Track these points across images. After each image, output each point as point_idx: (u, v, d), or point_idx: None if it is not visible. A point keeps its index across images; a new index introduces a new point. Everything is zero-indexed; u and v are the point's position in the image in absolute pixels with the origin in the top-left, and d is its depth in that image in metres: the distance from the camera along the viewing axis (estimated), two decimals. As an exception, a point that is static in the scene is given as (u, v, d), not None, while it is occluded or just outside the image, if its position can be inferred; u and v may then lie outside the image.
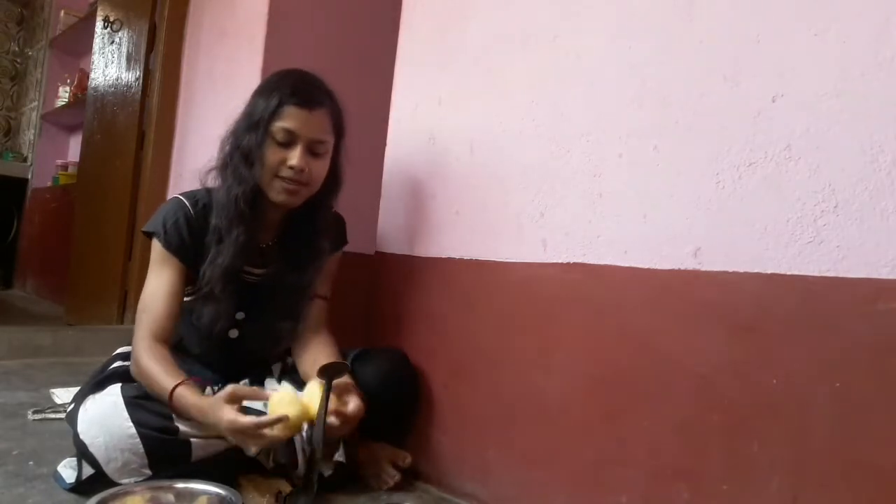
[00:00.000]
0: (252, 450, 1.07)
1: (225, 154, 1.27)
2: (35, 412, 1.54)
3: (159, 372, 1.14)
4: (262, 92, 1.25)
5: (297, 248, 1.31)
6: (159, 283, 1.24)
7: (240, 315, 1.31)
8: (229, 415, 1.04)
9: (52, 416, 1.52)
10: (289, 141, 1.21)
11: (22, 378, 1.89)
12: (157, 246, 1.26)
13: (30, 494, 1.10)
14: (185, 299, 1.28)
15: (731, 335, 0.93)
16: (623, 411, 1.04)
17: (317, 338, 1.33)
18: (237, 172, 1.23)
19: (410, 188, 1.48)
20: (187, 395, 1.10)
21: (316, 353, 1.29)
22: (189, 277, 1.27)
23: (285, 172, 1.21)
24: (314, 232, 1.31)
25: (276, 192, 1.23)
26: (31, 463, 1.24)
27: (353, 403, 1.14)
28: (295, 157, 1.20)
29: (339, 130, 1.29)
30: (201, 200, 1.28)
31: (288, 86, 1.22)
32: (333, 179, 1.32)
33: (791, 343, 0.88)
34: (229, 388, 1.09)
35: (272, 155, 1.21)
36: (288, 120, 1.20)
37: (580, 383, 1.10)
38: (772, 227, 0.91)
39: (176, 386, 1.10)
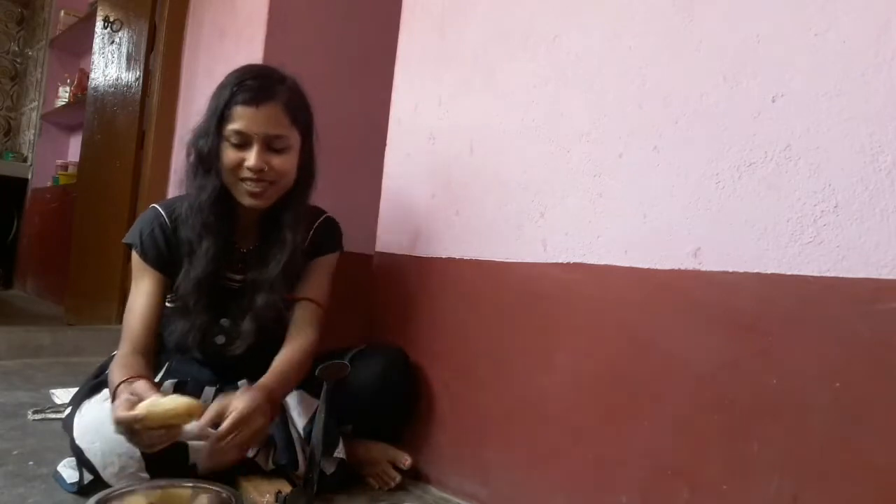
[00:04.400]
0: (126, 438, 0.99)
1: (188, 164, 1.24)
2: (35, 412, 1.54)
3: (115, 372, 1.12)
4: (214, 93, 1.23)
5: (273, 251, 1.27)
6: (138, 295, 1.24)
7: (225, 322, 1.28)
8: (116, 410, 0.98)
9: (52, 416, 1.52)
10: (243, 142, 1.18)
11: (22, 378, 1.89)
12: (135, 257, 1.26)
13: (30, 494, 1.10)
14: (169, 305, 1.28)
15: (730, 335, 0.93)
16: (623, 411, 1.04)
17: (290, 342, 1.25)
18: (198, 181, 1.21)
19: (410, 188, 1.48)
20: (121, 391, 1.05)
21: (280, 356, 1.23)
22: (170, 286, 1.26)
23: (245, 173, 1.19)
24: (283, 226, 1.26)
25: (242, 195, 1.21)
26: (31, 463, 1.24)
27: (232, 405, 1.04)
28: (251, 157, 1.17)
29: (300, 121, 1.24)
30: (178, 209, 1.26)
31: (235, 84, 1.18)
32: (305, 173, 1.27)
33: (791, 343, 0.88)
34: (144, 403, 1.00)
35: (229, 158, 1.19)
36: (237, 121, 1.17)
37: (580, 383, 1.10)
38: (771, 227, 0.91)
39: (120, 383, 1.07)
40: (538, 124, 1.22)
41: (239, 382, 1.28)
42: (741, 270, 0.93)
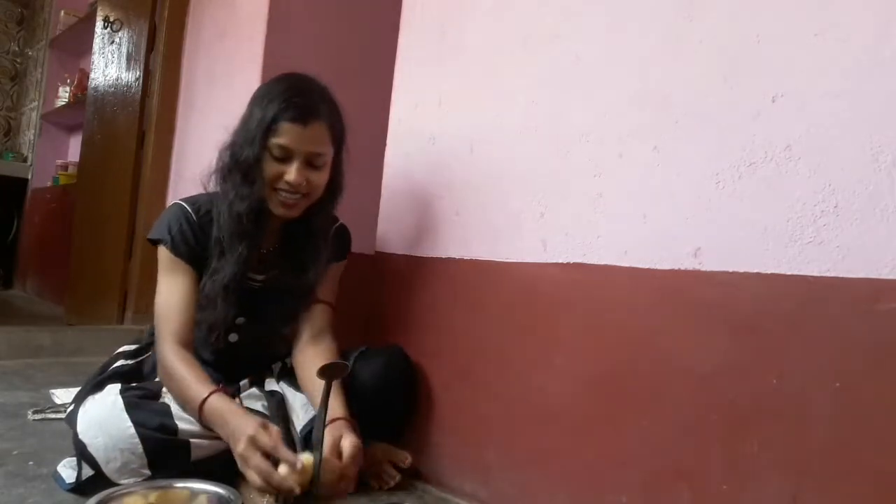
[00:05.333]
0: (248, 473, 1.03)
1: (224, 165, 1.25)
2: (35, 412, 1.54)
3: (192, 378, 1.14)
4: (258, 101, 1.23)
5: (297, 253, 1.31)
6: (174, 290, 1.25)
7: (240, 320, 1.30)
8: (251, 430, 1.04)
9: (52, 416, 1.52)
10: (285, 157, 1.20)
11: (22, 378, 1.89)
12: (164, 253, 1.26)
13: (30, 494, 1.10)
14: None
15: (731, 335, 0.93)
16: (623, 411, 1.04)
17: (318, 346, 1.31)
18: (239, 189, 1.22)
19: (410, 188, 1.48)
20: (220, 402, 1.11)
21: (316, 361, 1.24)
22: (198, 280, 1.27)
23: (283, 186, 1.21)
24: (314, 236, 1.30)
25: (275, 205, 1.24)
26: (30, 463, 1.24)
27: (347, 441, 1.08)
28: (292, 172, 1.20)
29: (337, 140, 1.27)
30: (203, 206, 1.29)
31: (283, 99, 1.19)
32: (334, 187, 1.31)
33: (791, 343, 0.88)
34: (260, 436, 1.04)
35: (270, 170, 1.20)
36: (283, 136, 1.18)
37: (580, 383, 1.10)
38: (772, 227, 0.91)
39: (210, 394, 1.11)
40: (538, 124, 1.22)
41: (241, 383, 1.29)
42: (741, 270, 0.93)
